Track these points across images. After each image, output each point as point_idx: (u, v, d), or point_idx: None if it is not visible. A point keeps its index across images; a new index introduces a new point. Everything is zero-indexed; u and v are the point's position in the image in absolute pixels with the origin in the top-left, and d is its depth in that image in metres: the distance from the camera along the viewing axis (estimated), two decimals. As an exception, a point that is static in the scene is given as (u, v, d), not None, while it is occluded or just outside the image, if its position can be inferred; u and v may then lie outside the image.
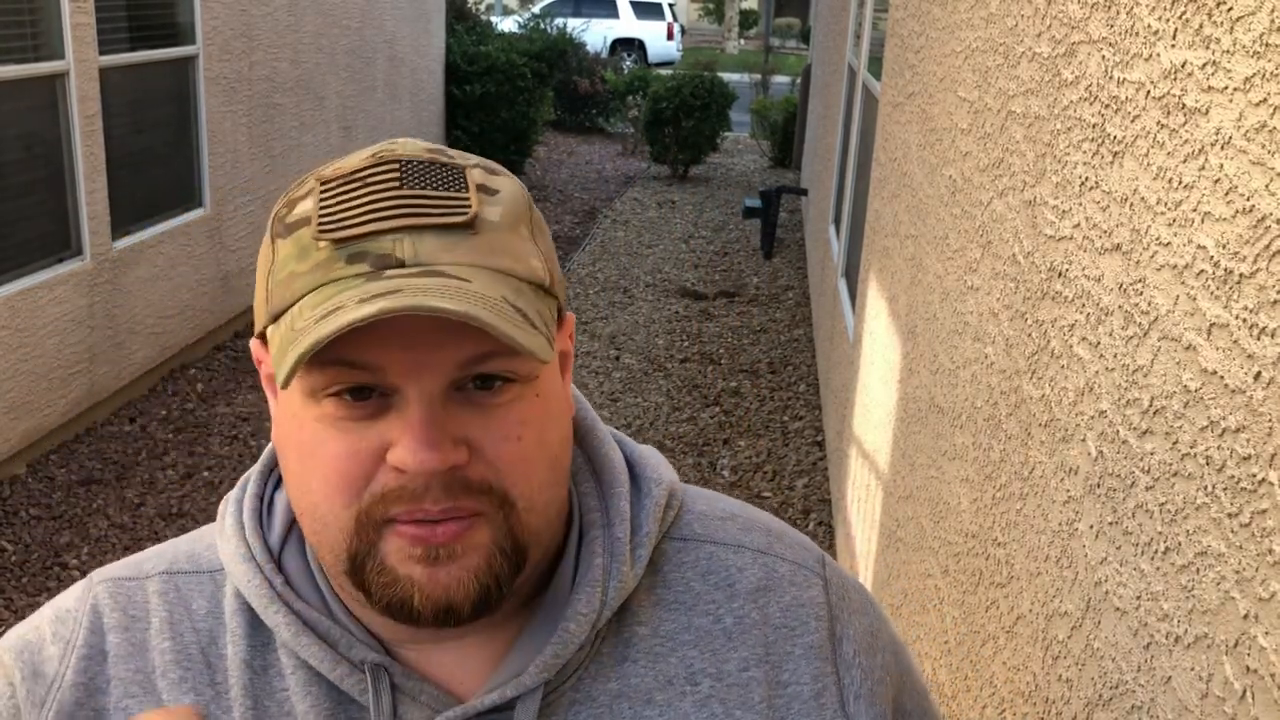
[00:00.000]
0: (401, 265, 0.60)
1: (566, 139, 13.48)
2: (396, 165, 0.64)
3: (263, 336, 0.68)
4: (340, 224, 0.61)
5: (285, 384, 0.58)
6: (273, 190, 6.42)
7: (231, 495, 0.75)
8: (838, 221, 5.44)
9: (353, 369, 0.60)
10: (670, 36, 22.08)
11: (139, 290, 5.11)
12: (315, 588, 0.70)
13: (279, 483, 0.75)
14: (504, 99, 10.18)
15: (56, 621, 0.72)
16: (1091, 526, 1.14)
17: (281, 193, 6.70)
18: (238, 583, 0.70)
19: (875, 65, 4.22)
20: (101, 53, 4.68)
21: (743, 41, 28.38)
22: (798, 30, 28.71)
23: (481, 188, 0.64)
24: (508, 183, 0.67)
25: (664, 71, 14.13)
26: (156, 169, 5.31)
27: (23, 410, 4.33)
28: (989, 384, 1.65)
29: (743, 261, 8.14)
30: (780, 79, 17.35)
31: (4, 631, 3.33)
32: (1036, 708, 1.28)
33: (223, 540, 0.72)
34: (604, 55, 15.55)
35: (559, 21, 13.85)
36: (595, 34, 19.24)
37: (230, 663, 0.69)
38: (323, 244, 0.61)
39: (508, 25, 14.84)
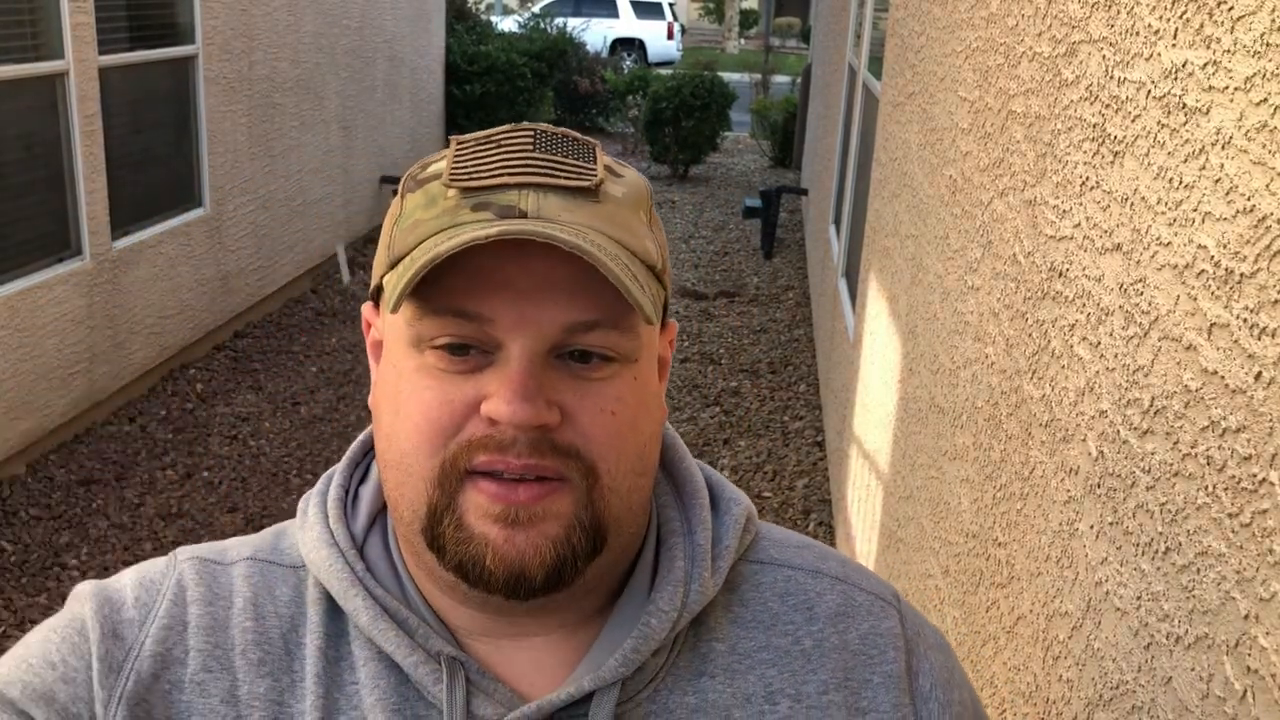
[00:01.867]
0: (524, 216, 0.62)
1: (566, 139, 13.45)
2: (532, 132, 0.66)
3: (376, 298, 0.70)
4: (470, 175, 0.64)
5: (396, 306, 0.59)
6: (273, 190, 6.42)
7: (313, 491, 0.75)
8: (838, 221, 5.44)
9: (461, 318, 0.61)
10: (670, 36, 22.07)
11: (139, 290, 5.11)
12: (396, 577, 0.70)
13: (364, 478, 0.75)
14: (504, 99, 10.18)
15: (139, 587, 0.70)
16: (1092, 526, 1.14)
17: (280, 192, 6.68)
18: (318, 569, 0.69)
19: (875, 65, 4.21)
20: (101, 52, 4.67)
21: (743, 41, 28.37)
22: (798, 30, 28.71)
23: (609, 168, 0.67)
24: (633, 173, 0.70)
25: (664, 71, 14.13)
26: (156, 169, 5.31)
27: (22, 410, 4.33)
28: (989, 384, 1.65)
29: (743, 261, 8.14)
30: (780, 79, 17.35)
31: (3, 632, 3.32)
32: (1037, 708, 1.27)
33: (304, 531, 0.72)
34: (604, 55, 15.55)
35: (559, 21, 13.85)
36: (595, 34, 19.24)
37: (308, 650, 0.68)
38: (451, 192, 0.63)
39: (508, 25, 14.84)
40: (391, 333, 0.67)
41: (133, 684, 0.66)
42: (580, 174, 0.64)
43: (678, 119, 10.93)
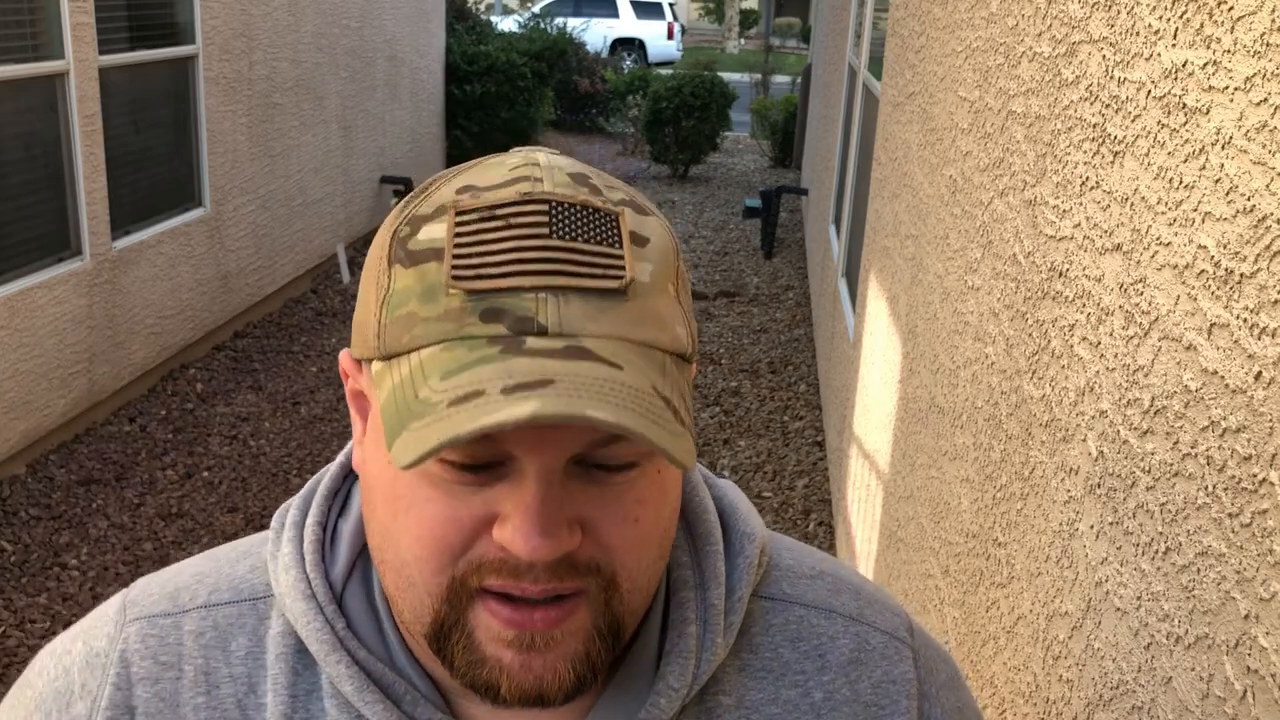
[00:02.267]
0: (544, 333, 0.54)
1: (566, 139, 13.48)
2: (546, 208, 0.57)
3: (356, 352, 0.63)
4: (478, 271, 0.55)
5: (409, 467, 0.51)
6: (273, 190, 6.42)
7: (290, 516, 0.68)
8: (838, 221, 5.44)
9: (471, 444, 0.54)
10: (670, 36, 22.07)
11: (138, 290, 5.11)
12: (378, 633, 0.65)
13: (343, 508, 0.69)
14: (504, 99, 10.18)
15: (85, 669, 0.66)
16: (1092, 526, 1.14)
17: (280, 192, 6.65)
18: (295, 622, 0.64)
19: (876, 65, 4.21)
20: (101, 52, 4.67)
21: (743, 41, 28.37)
22: (798, 30, 28.71)
23: (634, 236, 0.58)
24: (658, 227, 0.61)
25: (664, 71, 14.13)
26: (156, 168, 5.31)
27: (22, 410, 4.33)
28: (989, 384, 1.65)
29: (743, 261, 8.14)
30: (780, 79, 17.35)
31: (3, 632, 3.32)
32: (1037, 708, 1.27)
33: (280, 569, 0.66)
34: (604, 55, 15.55)
35: (559, 21, 13.85)
36: (595, 34, 19.24)
37: (269, 714, 0.64)
38: (454, 290, 0.55)
39: (508, 25, 14.84)
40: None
41: None
42: (606, 269, 0.56)
43: (678, 119, 10.93)
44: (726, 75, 13.23)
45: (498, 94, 10.15)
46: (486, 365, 0.53)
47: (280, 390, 5.36)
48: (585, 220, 0.57)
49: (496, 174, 0.59)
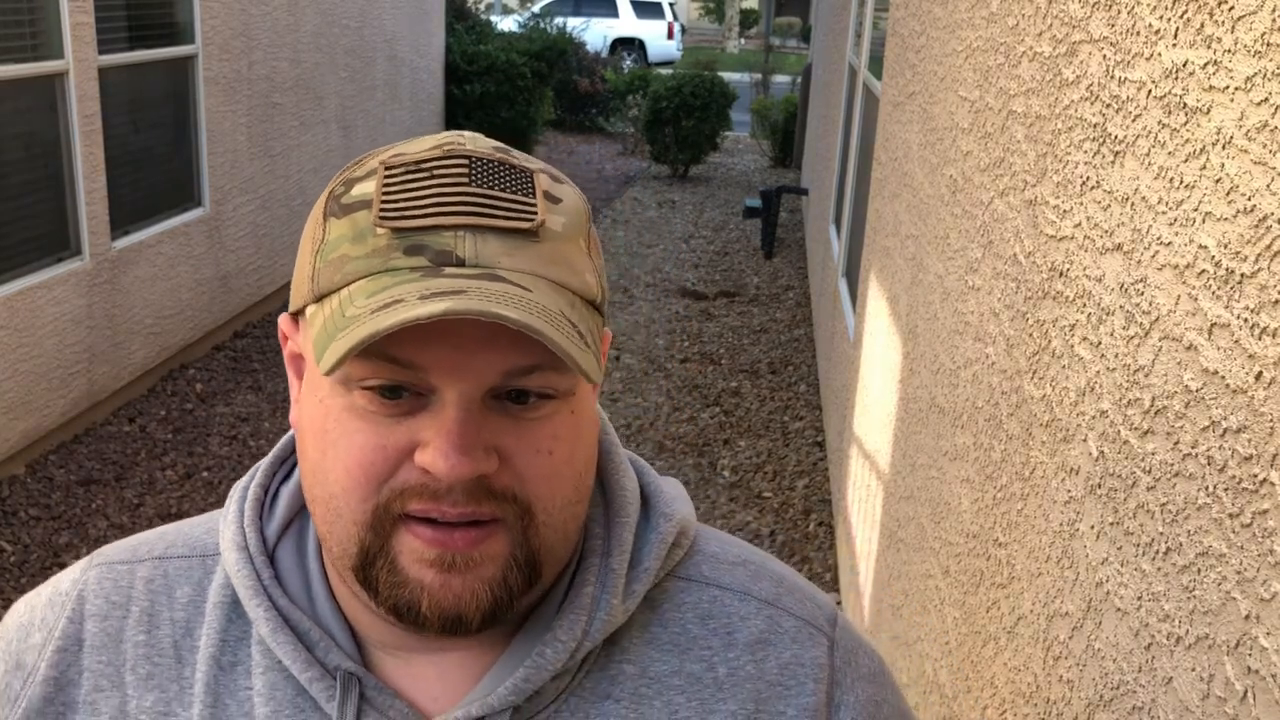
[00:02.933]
0: (461, 264, 0.59)
1: (566, 139, 13.48)
2: (466, 161, 0.62)
3: (297, 314, 0.66)
4: (402, 213, 0.60)
5: (330, 371, 0.56)
6: (272, 190, 6.42)
7: (240, 482, 0.74)
8: (838, 221, 5.44)
9: (395, 365, 0.59)
10: (670, 36, 22.08)
11: (138, 290, 5.11)
12: (305, 585, 0.69)
13: (288, 475, 0.74)
14: (504, 98, 10.18)
15: (48, 605, 0.72)
16: (1093, 527, 1.14)
17: (280, 192, 6.66)
18: (228, 569, 0.69)
19: (876, 65, 4.21)
20: (101, 52, 4.67)
21: (743, 41, 28.37)
22: (798, 29, 28.70)
23: (548, 195, 0.63)
24: (571, 192, 0.66)
25: (664, 71, 14.13)
26: (156, 168, 5.31)
27: (22, 410, 4.33)
28: (990, 384, 1.65)
29: (743, 261, 8.14)
30: (780, 78, 17.35)
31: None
32: (1037, 708, 1.27)
33: (224, 525, 0.71)
34: (604, 55, 15.55)
35: (559, 21, 13.85)
36: (595, 33, 19.24)
37: (200, 655, 0.68)
38: (381, 230, 0.60)
39: (507, 25, 14.84)
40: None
41: (22, 712, 0.68)
42: (520, 212, 0.61)
43: (678, 119, 10.93)
44: (726, 75, 13.23)
45: (497, 94, 10.15)
46: (407, 284, 0.58)
47: (280, 390, 5.36)
48: (502, 174, 0.63)
49: (423, 144, 0.64)
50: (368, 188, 0.62)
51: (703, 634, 0.70)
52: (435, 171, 0.62)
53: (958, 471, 1.83)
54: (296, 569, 0.70)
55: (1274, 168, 0.80)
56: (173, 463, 4.54)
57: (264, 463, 0.75)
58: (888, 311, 2.93)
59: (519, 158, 0.65)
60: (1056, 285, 1.34)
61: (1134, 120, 1.11)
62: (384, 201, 0.61)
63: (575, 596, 0.68)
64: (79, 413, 4.71)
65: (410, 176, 0.62)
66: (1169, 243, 0.99)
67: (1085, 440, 1.18)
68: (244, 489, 0.73)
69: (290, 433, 0.74)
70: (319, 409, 0.62)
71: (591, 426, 0.66)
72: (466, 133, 0.66)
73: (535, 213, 0.61)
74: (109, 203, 4.82)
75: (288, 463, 0.75)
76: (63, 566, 3.75)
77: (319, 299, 0.62)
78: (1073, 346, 1.25)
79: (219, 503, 4.25)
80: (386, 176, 0.62)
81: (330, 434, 0.61)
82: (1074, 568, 1.18)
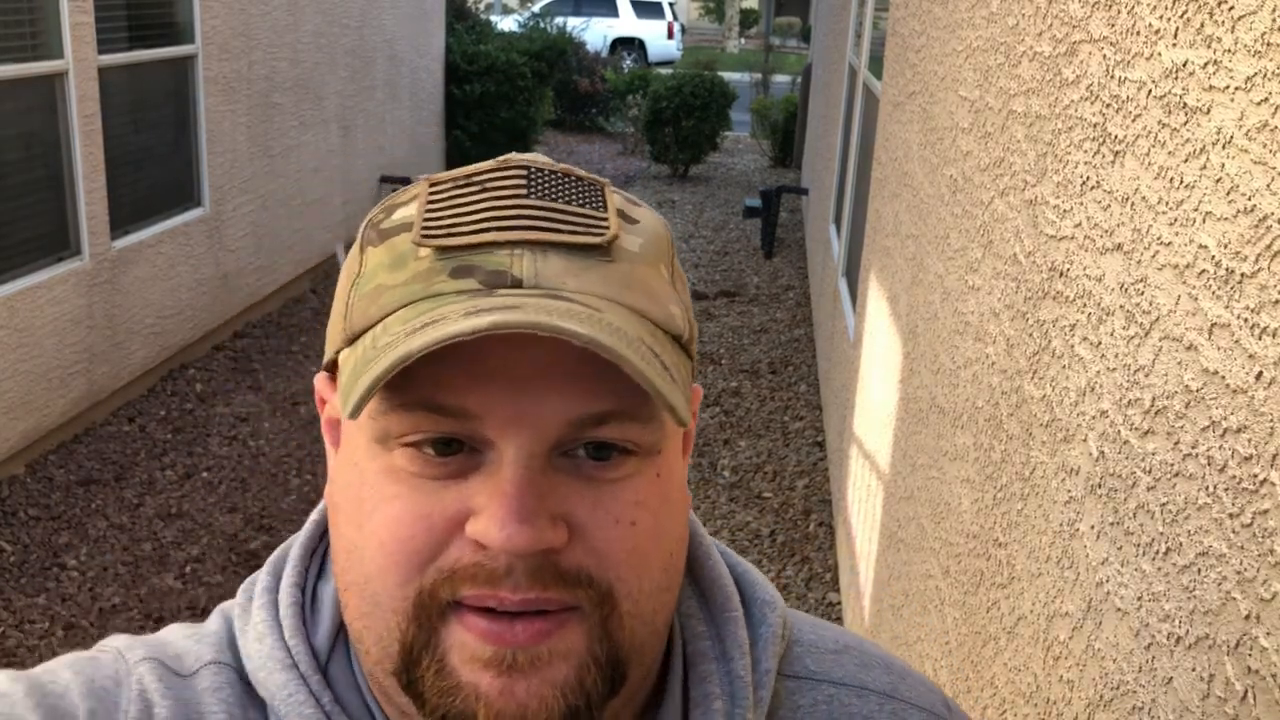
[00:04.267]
0: (518, 285, 0.49)
1: (567, 138, 13.48)
2: (524, 171, 0.53)
3: (333, 367, 0.56)
4: (449, 230, 0.51)
5: (355, 413, 0.47)
6: (272, 189, 6.42)
7: (260, 583, 0.60)
8: (838, 221, 5.44)
9: (440, 415, 0.49)
10: (670, 35, 22.08)
11: (138, 290, 5.11)
12: (364, 705, 0.57)
13: (321, 570, 0.61)
14: (504, 98, 10.18)
15: (91, 697, 0.54)
16: (1093, 527, 1.13)
17: (280, 192, 6.65)
18: (273, 695, 0.55)
19: (876, 64, 4.21)
20: (100, 52, 4.67)
21: (743, 40, 28.38)
22: (798, 29, 28.71)
23: (622, 213, 0.54)
24: (649, 215, 0.57)
25: (664, 71, 14.13)
26: (155, 168, 5.31)
27: (22, 410, 4.33)
28: (990, 384, 1.64)
29: (743, 261, 8.14)
30: (781, 78, 17.36)
31: (3, 633, 3.32)
32: (1038, 708, 1.27)
33: (251, 640, 0.57)
34: (604, 54, 15.55)
35: (559, 21, 13.85)
36: (595, 33, 19.24)
37: None
38: (424, 252, 0.51)
39: (507, 24, 14.84)
40: (351, 423, 0.53)
41: None
42: (588, 226, 0.52)
43: (678, 119, 10.93)
44: (726, 75, 13.23)
45: (497, 93, 10.14)
46: (450, 305, 0.49)
47: (280, 390, 5.36)
48: (567, 185, 0.54)
49: (483, 163, 0.56)
50: (410, 210, 0.53)
51: None
52: (487, 184, 0.53)
53: (958, 471, 1.83)
54: (352, 688, 0.57)
55: (1274, 167, 0.80)
56: (172, 463, 4.54)
57: (292, 555, 0.61)
58: (888, 311, 2.93)
59: (585, 173, 0.56)
60: (1057, 285, 1.34)
61: (1134, 120, 1.11)
62: (427, 219, 0.52)
63: (706, 714, 0.57)
64: (79, 413, 4.71)
65: (458, 191, 0.53)
66: (1169, 242, 0.99)
67: (1085, 440, 1.18)
68: (269, 592, 0.59)
69: (315, 519, 0.62)
70: (354, 475, 0.52)
71: (682, 495, 0.55)
72: (528, 154, 0.57)
73: (606, 226, 0.52)
74: (109, 202, 4.82)
75: (319, 553, 0.62)
76: (63, 567, 3.74)
77: (352, 340, 0.52)
78: (1073, 346, 1.25)
79: (219, 503, 4.25)
80: (431, 195, 0.53)
81: (365, 503, 0.51)
82: (1074, 568, 1.18)
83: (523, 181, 0.53)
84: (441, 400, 0.49)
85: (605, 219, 0.53)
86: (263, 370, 5.62)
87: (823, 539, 4.15)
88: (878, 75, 3.98)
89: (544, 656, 0.50)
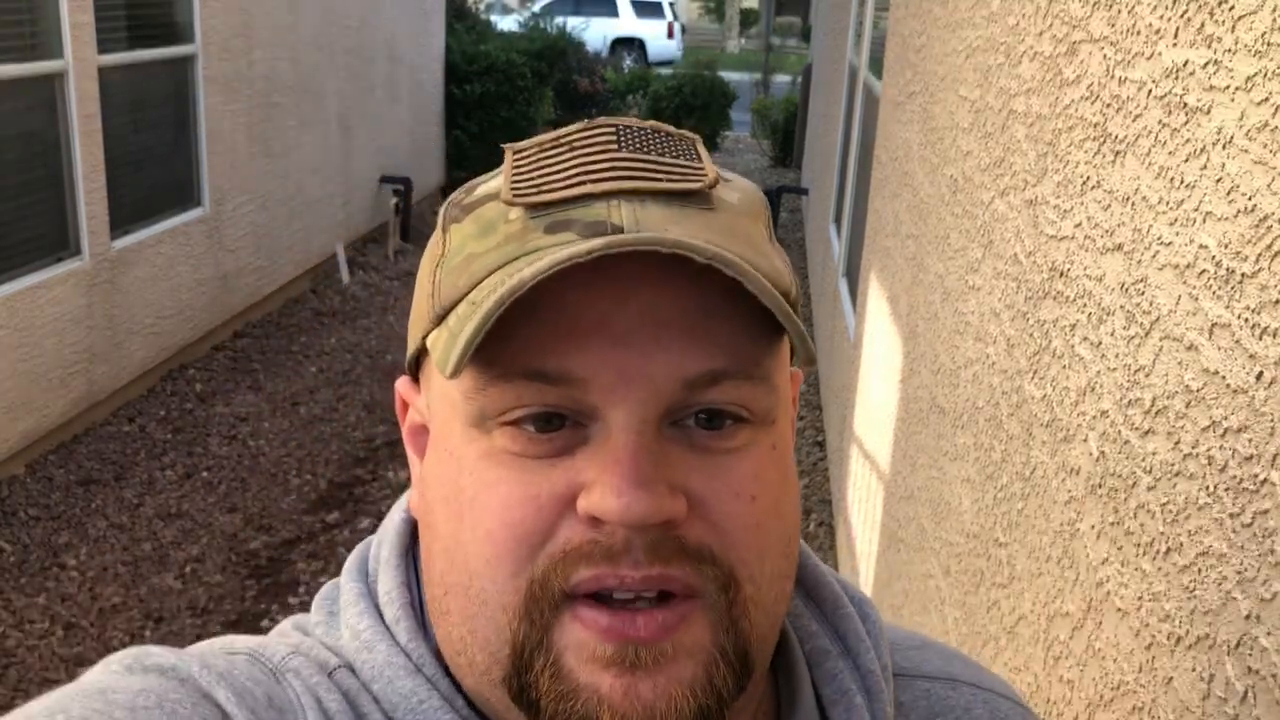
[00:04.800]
0: (619, 231, 0.46)
1: (566, 138, 13.46)
2: (613, 130, 0.50)
3: (415, 369, 0.53)
4: (540, 187, 0.48)
5: (457, 369, 0.44)
6: (272, 189, 6.41)
7: (346, 590, 0.55)
8: (839, 220, 5.44)
9: (542, 383, 0.45)
10: (670, 35, 22.08)
11: (138, 290, 5.11)
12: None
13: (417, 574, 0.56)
14: (503, 98, 10.18)
15: (254, 696, 0.49)
16: (1093, 527, 1.13)
17: (280, 191, 6.63)
18: (395, 706, 0.50)
19: (876, 64, 4.21)
20: (100, 52, 4.67)
21: (743, 41, 28.38)
22: (798, 29, 28.72)
23: (716, 170, 0.52)
24: (744, 181, 0.54)
25: (664, 71, 14.13)
26: (155, 168, 5.31)
27: (21, 410, 4.33)
28: (990, 384, 1.64)
29: (743, 261, 8.13)
30: (781, 78, 17.36)
31: (2, 633, 3.32)
32: (1038, 708, 1.27)
33: (360, 650, 0.52)
34: (604, 54, 15.55)
35: (559, 20, 13.85)
36: (595, 33, 19.23)
37: None
38: (514, 214, 0.48)
39: (507, 24, 14.84)
40: (443, 410, 0.50)
41: None
42: (685, 174, 0.49)
43: (678, 118, 10.94)
44: (727, 75, 13.23)
45: (497, 93, 10.14)
46: (552, 251, 0.46)
47: (280, 390, 5.36)
48: (657, 138, 0.51)
49: (567, 127, 0.54)
50: (494, 182, 0.51)
51: None
52: (575, 143, 0.50)
53: (958, 471, 1.83)
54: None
55: (1274, 167, 0.80)
56: (172, 463, 4.54)
57: (384, 557, 0.55)
58: (888, 311, 2.92)
59: (675, 129, 0.53)
60: (1057, 285, 1.34)
61: (1134, 120, 1.11)
62: (515, 181, 0.49)
63: (849, 713, 0.55)
64: (79, 413, 4.71)
65: (545, 153, 0.50)
66: (1169, 242, 0.99)
67: (1086, 440, 1.18)
68: (364, 597, 0.54)
69: (401, 516, 0.57)
70: (450, 466, 0.49)
71: (794, 475, 0.52)
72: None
73: (704, 174, 0.49)
74: (109, 202, 4.82)
75: (412, 553, 0.56)
76: (62, 566, 3.74)
77: (441, 319, 0.49)
78: (1073, 346, 1.25)
79: (219, 503, 4.25)
80: (516, 160, 0.50)
81: (466, 492, 0.47)
82: (1075, 567, 1.18)
83: (612, 137, 0.50)
84: (542, 365, 0.45)
85: (702, 168, 0.50)
86: (263, 370, 5.62)
87: (823, 539, 4.15)
88: (878, 75, 3.98)
89: (669, 653, 0.46)
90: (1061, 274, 1.32)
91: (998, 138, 1.73)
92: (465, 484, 0.48)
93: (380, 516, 4.22)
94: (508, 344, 0.45)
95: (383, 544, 0.56)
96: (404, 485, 4.50)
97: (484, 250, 0.48)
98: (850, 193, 4.84)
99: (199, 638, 3.48)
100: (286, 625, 0.56)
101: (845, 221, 4.93)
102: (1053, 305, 1.35)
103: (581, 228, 0.46)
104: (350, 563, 0.57)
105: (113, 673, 0.47)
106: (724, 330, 0.46)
